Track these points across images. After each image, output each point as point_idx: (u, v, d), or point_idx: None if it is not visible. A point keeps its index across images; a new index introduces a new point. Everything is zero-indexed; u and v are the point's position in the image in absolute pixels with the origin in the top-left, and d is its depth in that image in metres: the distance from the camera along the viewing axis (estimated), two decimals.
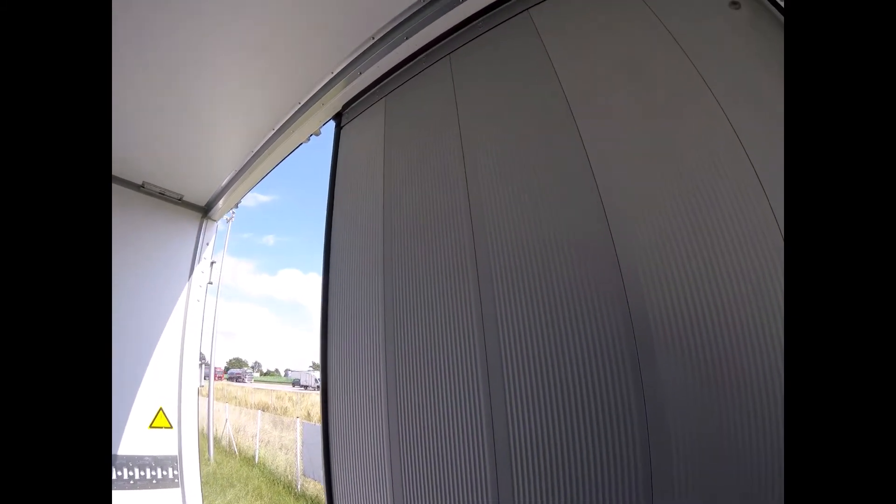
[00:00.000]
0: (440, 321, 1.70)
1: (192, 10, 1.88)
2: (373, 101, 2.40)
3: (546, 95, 1.70)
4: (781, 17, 1.23)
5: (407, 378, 1.75)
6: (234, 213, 3.86)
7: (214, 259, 3.64)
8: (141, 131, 2.59)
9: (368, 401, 1.86)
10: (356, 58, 2.21)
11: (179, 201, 3.30)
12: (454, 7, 1.91)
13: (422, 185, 1.99)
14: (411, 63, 2.22)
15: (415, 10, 1.97)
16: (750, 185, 1.16)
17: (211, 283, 3.65)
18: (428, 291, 1.78)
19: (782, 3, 1.23)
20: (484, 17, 1.97)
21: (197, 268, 3.48)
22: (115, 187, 2.89)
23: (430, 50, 2.15)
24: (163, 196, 3.19)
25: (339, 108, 2.54)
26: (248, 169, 2.93)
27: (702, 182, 1.24)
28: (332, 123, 2.61)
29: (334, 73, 2.30)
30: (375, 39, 2.12)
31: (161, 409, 3.13)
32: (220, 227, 3.78)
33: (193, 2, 1.85)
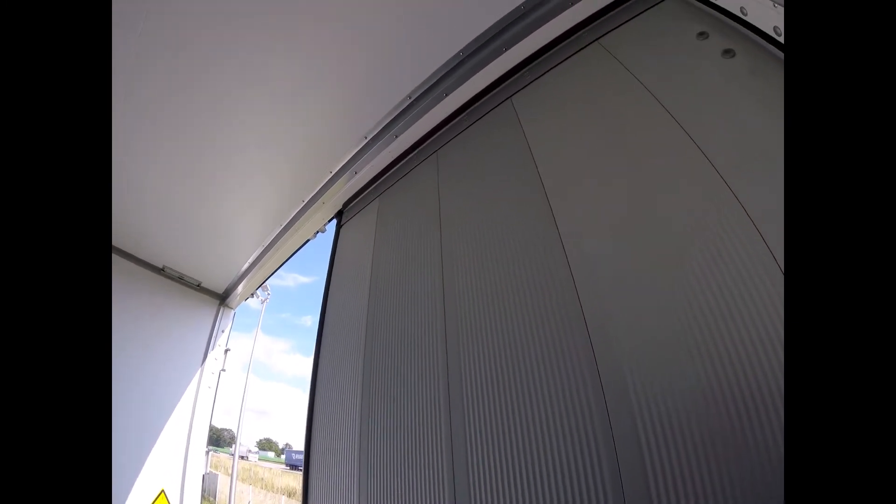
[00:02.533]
0: (411, 438, 1.46)
1: (208, 108, 2.01)
2: (369, 200, 2.31)
3: (524, 189, 1.46)
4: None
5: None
6: (269, 294, 3.88)
7: (229, 347, 3.56)
8: (163, 218, 2.74)
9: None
10: (351, 157, 2.18)
11: (198, 287, 3.36)
12: (439, 102, 1.82)
13: (402, 291, 1.81)
14: (403, 161, 2.13)
15: (402, 108, 1.91)
16: (759, 263, 0.86)
17: (224, 370, 3.52)
18: (401, 400, 1.56)
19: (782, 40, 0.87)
20: (469, 109, 1.85)
21: (210, 354, 3.40)
22: (136, 268, 3.02)
23: (420, 147, 2.05)
24: (182, 281, 3.27)
25: (340, 207, 2.48)
26: (261, 261, 2.93)
27: (699, 270, 0.95)
28: (335, 222, 2.55)
29: (333, 173, 2.28)
30: (367, 139, 2.08)
31: (163, 490, 2.96)
32: (254, 307, 3.78)
33: (210, 102, 1.97)
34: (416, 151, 2.06)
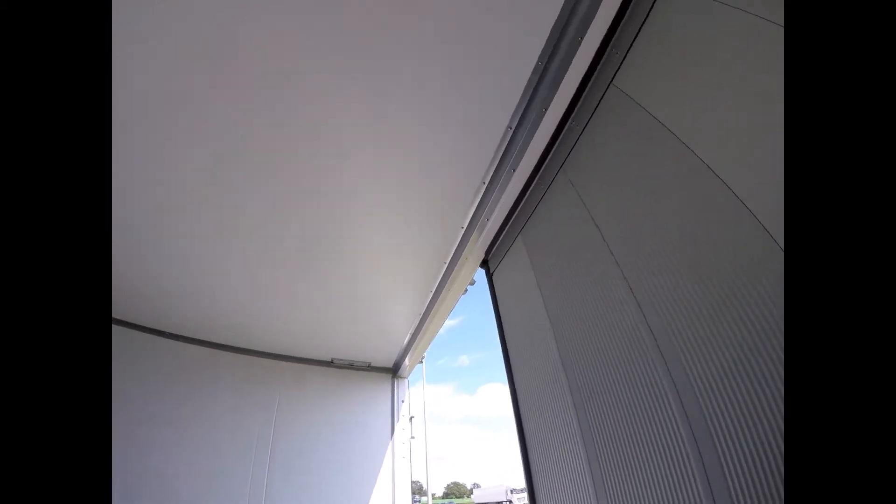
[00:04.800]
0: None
1: (344, 209, 2.23)
2: (511, 240, 2.20)
3: (669, 167, 1.15)
4: None
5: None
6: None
7: (413, 414, 3.74)
8: (322, 318, 3.12)
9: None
10: (477, 206, 2.13)
11: (368, 367, 3.62)
12: (541, 119, 1.64)
13: (589, 313, 1.59)
14: (530, 190, 1.97)
15: (507, 140, 1.79)
16: None
17: (413, 437, 3.66)
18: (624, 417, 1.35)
19: None
20: (577, 107, 1.61)
21: (397, 426, 3.60)
22: (309, 369, 3.42)
23: (542, 169, 1.87)
24: (352, 366, 3.57)
25: (483, 256, 2.44)
26: (421, 329, 3.07)
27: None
28: (483, 271, 2.51)
29: (464, 227, 2.26)
30: (486, 183, 2.00)
31: None
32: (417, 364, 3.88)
33: (344, 198, 2.16)
34: (538, 177, 1.89)
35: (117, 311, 3.01)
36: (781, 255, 0.87)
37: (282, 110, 1.66)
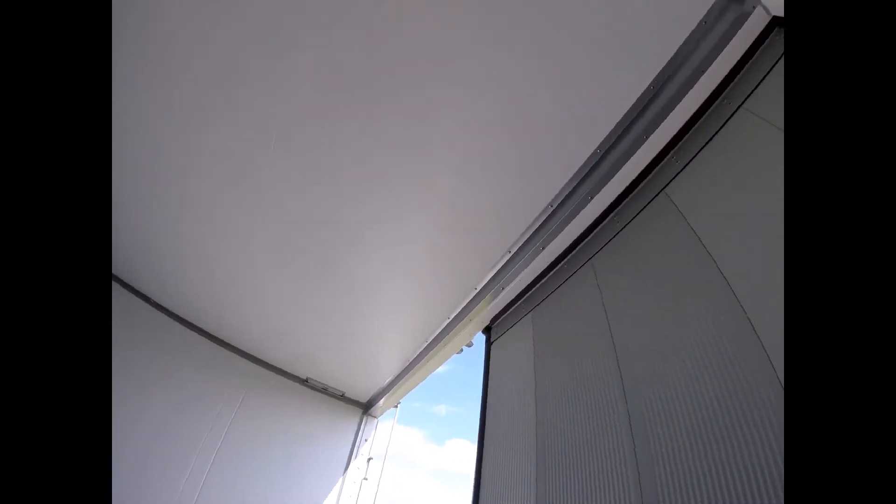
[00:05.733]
0: None
1: (360, 230, 2.21)
2: (520, 315, 2.15)
3: (701, 284, 1.14)
4: None
5: None
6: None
7: (372, 455, 3.51)
8: (309, 332, 3.01)
9: None
10: (496, 273, 2.11)
11: (341, 397, 3.48)
12: (585, 206, 1.66)
13: (575, 410, 1.53)
14: (553, 272, 1.95)
15: (545, 216, 1.81)
16: None
17: (366, 479, 3.43)
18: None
19: None
20: (619, 207, 1.63)
21: (353, 463, 3.41)
22: (281, 380, 3.30)
23: (570, 255, 1.86)
24: (325, 391, 3.44)
25: (487, 322, 2.38)
26: (406, 374, 2.97)
27: None
28: (483, 336, 2.44)
29: (478, 289, 2.24)
30: (512, 253, 2.01)
31: None
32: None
33: (363, 224, 2.16)
34: (566, 260, 1.89)
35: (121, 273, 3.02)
36: (778, 385, 0.85)
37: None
